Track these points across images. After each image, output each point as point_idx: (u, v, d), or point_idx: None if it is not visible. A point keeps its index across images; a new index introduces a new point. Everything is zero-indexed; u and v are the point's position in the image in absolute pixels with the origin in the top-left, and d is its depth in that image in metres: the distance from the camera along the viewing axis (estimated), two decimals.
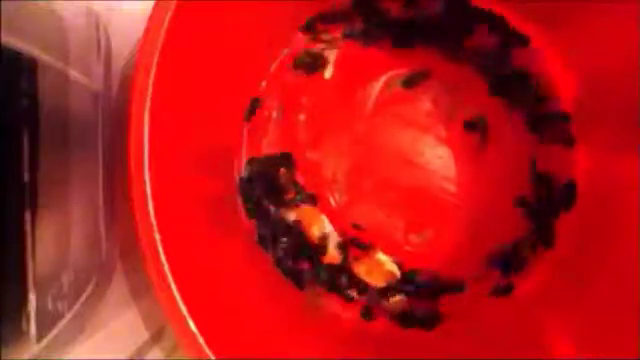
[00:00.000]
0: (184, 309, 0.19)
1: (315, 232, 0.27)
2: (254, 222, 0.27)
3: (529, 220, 0.27)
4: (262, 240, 0.26)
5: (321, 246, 0.27)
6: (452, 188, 0.27)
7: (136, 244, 0.19)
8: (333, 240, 0.27)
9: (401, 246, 0.27)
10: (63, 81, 0.18)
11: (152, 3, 0.19)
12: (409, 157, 0.27)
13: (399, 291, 0.27)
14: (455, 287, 0.26)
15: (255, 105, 0.27)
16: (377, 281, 0.27)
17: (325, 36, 0.27)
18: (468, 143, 0.27)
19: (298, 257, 0.27)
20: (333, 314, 0.26)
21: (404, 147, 0.27)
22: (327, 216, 0.27)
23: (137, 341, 0.25)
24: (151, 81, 0.19)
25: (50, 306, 0.17)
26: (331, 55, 0.27)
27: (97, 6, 0.23)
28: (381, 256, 0.27)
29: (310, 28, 0.27)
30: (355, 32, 0.27)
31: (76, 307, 0.20)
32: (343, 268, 0.27)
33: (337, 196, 0.27)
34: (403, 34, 0.27)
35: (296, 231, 0.27)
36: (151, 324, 0.25)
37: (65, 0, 0.19)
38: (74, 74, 0.19)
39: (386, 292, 0.27)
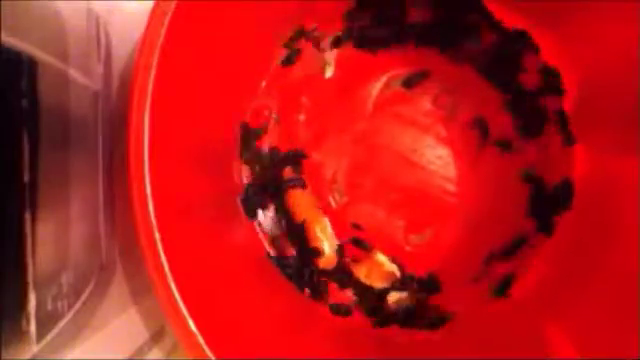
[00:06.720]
0: (184, 309, 0.19)
1: (317, 233, 0.27)
2: (254, 222, 0.27)
3: (528, 220, 0.27)
4: (262, 239, 0.26)
5: (322, 247, 0.27)
6: (452, 188, 0.27)
7: (136, 244, 0.19)
8: (333, 242, 0.27)
9: (401, 246, 0.27)
10: (63, 81, 0.18)
11: (152, 3, 0.19)
12: (409, 157, 0.27)
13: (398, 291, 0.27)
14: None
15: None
16: (377, 282, 0.27)
17: (326, 36, 0.27)
18: (468, 143, 0.27)
19: (299, 257, 0.27)
20: (333, 314, 0.26)
21: (404, 147, 0.27)
22: (327, 216, 0.27)
23: (137, 341, 0.25)
24: (151, 81, 0.19)
25: (50, 306, 0.17)
26: (331, 55, 0.27)
27: (97, 6, 0.23)
28: (380, 257, 0.27)
29: (311, 28, 0.27)
30: (356, 32, 0.27)
31: (76, 307, 0.20)
32: (342, 270, 0.27)
33: (337, 196, 0.27)
34: (403, 34, 0.27)
35: (297, 231, 0.27)
36: (151, 324, 0.25)
37: (65, 0, 0.19)
38: (74, 74, 0.19)
39: (385, 293, 0.27)
